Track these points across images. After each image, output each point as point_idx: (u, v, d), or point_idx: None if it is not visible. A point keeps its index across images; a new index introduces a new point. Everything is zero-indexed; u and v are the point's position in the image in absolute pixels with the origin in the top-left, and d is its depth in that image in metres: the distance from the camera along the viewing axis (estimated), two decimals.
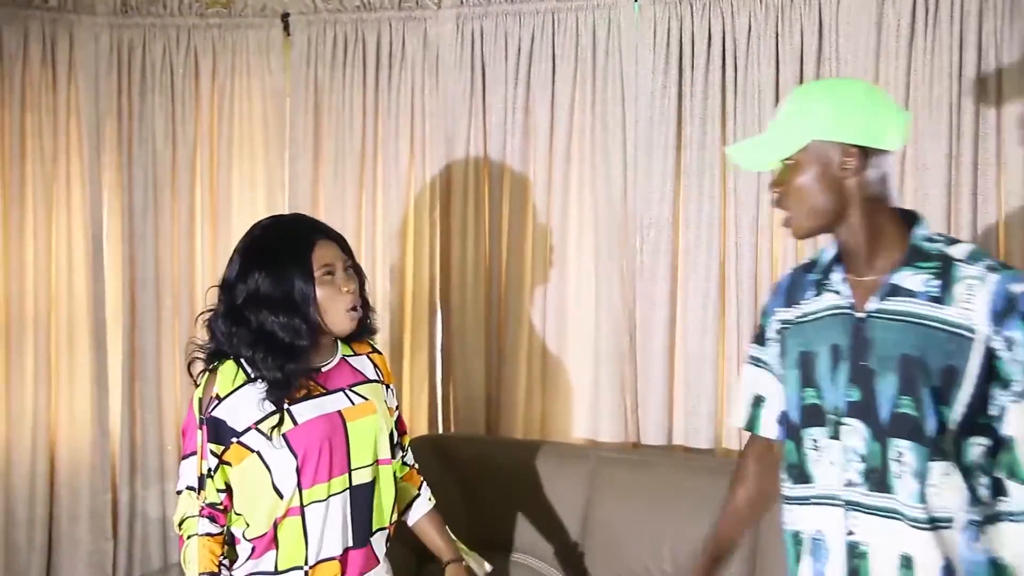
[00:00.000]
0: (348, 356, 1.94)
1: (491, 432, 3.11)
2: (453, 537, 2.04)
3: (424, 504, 2.04)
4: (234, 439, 1.76)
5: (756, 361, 1.72)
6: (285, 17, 3.22)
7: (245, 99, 3.26)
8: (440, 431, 3.17)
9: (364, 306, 1.91)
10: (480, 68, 3.05)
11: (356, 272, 1.90)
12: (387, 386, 1.99)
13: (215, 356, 1.84)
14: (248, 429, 1.76)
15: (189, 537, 1.79)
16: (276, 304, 1.77)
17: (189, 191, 3.28)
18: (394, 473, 1.93)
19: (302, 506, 1.77)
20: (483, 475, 2.81)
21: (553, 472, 2.76)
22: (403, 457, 2.03)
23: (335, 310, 1.82)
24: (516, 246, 3.04)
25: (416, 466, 2.08)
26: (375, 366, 1.98)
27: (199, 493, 1.78)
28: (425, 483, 2.08)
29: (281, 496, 1.76)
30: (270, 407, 1.77)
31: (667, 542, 2.55)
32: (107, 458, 3.25)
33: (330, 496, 1.79)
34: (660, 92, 2.85)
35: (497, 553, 2.64)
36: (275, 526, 1.77)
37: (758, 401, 1.71)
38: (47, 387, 3.21)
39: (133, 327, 3.25)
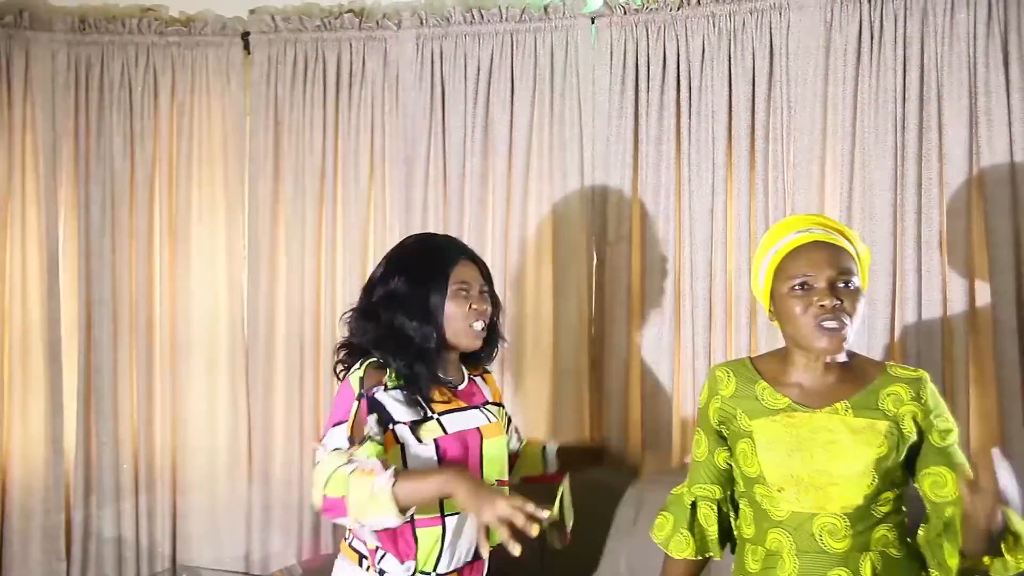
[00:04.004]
0: (474, 376, 2.03)
1: None
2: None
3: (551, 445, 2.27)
4: (390, 425, 1.81)
5: None
6: (245, 36, 3.22)
7: (204, 117, 3.26)
8: None
9: (493, 333, 2.00)
10: (440, 87, 3.08)
11: (492, 299, 1.98)
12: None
13: (352, 352, 1.91)
14: (401, 423, 1.81)
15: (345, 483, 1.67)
16: (409, 307, 1.85)
17: (147, 209, 3.26)
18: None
19: (443, 515, 1.82)
20: None
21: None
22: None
23: (461, 325, 1.89)
24: None
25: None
26: (488, 387, 2.08)
27: (350, 449, 1.74)
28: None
29: None
30: (422, 412, 1.83)
31: (624, 555, 2.58)
32: (61, 477, 3.21)
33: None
34: (617, 112, 2.90)
35: None
36: (415, 536, 1.80)
37: None
38: None
39: (89, 345, 3.22)
